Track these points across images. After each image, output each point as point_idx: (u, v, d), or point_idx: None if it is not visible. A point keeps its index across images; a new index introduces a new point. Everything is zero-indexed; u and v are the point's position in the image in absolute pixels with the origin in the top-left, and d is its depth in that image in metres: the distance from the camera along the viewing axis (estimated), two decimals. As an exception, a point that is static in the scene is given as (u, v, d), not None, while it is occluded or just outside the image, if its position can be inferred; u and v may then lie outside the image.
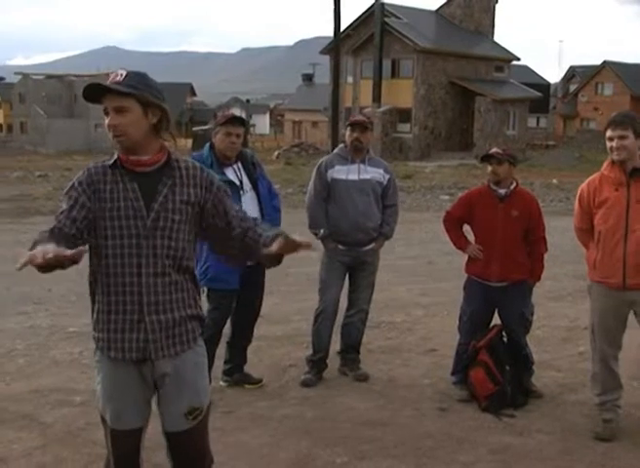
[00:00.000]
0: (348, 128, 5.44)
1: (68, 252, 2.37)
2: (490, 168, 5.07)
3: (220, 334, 5.11)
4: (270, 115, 74.55)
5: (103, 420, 2.94)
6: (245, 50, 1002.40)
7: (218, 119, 4.97)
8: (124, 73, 2.70)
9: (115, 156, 2.78)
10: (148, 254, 2.74)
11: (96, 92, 2.69)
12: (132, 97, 2.66)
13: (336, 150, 5.61)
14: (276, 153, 40.15)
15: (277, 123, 66.21)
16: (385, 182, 5.49)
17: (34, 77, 65.51)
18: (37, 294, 8.55)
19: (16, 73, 67.14)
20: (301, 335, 6.45)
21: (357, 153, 5.43)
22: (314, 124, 57.82)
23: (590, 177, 4.62)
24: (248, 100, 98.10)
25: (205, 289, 4.93)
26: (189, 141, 54.64)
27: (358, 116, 5.60)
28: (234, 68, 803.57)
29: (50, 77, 67.06)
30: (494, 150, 5.11)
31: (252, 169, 5.00)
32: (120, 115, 2.67)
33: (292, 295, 8.14)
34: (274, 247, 2.71)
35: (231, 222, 2.88)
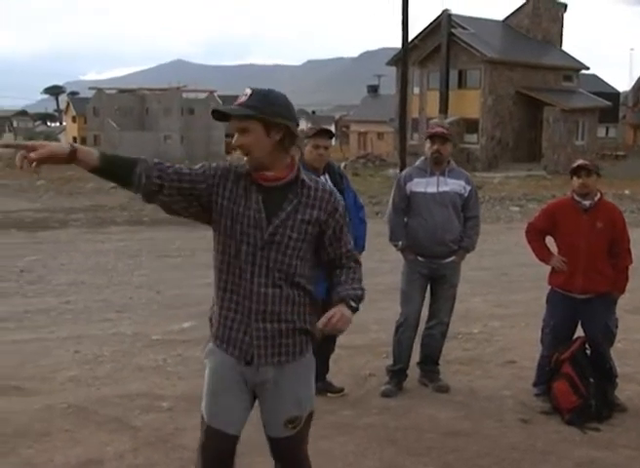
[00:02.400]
0: (428, 140, 5.44)
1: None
2: (578, 180, 4.99)
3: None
4: (336, 126, 74.74)
5: (202, 419, 2.97)
6: (310, 62, 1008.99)
7: (306, 131, 5.06)
8: (249, 93, 2.75)
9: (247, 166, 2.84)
10: (262, 265, 2.79)
11: (223, 114, 2.78)
12: (252, 117, 2.71)
13: (416, 163, 5.62)
14: (343, 164, 40.19)
15: (342, 134, 66.32)
16: (466, 194, 5.46)
17: (107, 91, 67.21)
18: (119, 302, 8.77)
19: (90, 88, 69.00)
20: (381, 345, 6.48)
21: (436, 165, 5.42)
22: (380, 135, 57.69)
23: None
24: (313, 112, 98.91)
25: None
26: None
27: (437, 128, 5.54)
28: (300, 80, 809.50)
29: (122, 91, 68.70)
30: (581, 162, 5.04)
31: (338, 180, 5.07)
32: (243, 135, 2.73)
33: (369, 305, 8.06)
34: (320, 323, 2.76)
35: (342, 256, 2.95)
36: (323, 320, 2.73)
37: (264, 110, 2.72)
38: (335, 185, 5.01)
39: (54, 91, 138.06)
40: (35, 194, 27.21)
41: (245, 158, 2.77)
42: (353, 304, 2.83)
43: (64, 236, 15.59)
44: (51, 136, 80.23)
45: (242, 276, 2.81)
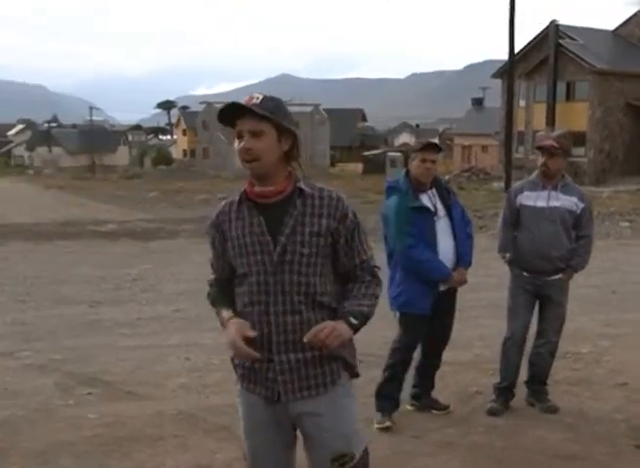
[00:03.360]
0: (539, 152, 5.31)
1: (250, 332, 2.57)
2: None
3: (411, 359, 5.13)
4: (439, 139, 74.19)
5: (245, 460, 2.84)
6: (414, 75, 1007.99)
7: (414, 145, 5.02)
8: (260, 97, 2.60)
9: (242, 190, 2.70)
10: (277, 292, 2.60)
11: (232, 114, 2.61)
12: (269, 121, 2.57)
13: (530, 176, 5.49)
14: (447, 178, 39.82)
15: (446, 147, 65.73)
16: (579, 211, 5.26)
17: (216, 105, 68.96)
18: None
19: (200, 102, 71.02)
20: (486, 362, 6.34)
21: (547, 179, 5.27)
22: (484, 148, 56.80)
23: None
24: (417, 125, 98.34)
25: (397, 313, 4.98)
26: (359, 166, 55.44)
27: (547, 140, 5.40)
28: (403, 93, 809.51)
29: (231, 105, 70.33)
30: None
31: (446, 195, 5.00)
32: (256, 139, 2.57)
33: (472, 321, 8.03)
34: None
35: (356, 268, 2.70)
36: (310, 332, 2.51)
37: (279, 115, 2.60)
38: (442, 201, 4.95)
39: (166, 105, 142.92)
40: (149, 205, 28.15)
41: (248, 165, 2.61)
42: (353, 321, 2.58)
43: (174, 246, 16.07)
44: (162, 149, 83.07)
45: (256, 308, 2.63)
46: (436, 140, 5.35)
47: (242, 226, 2.64)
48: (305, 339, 2.51)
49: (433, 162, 4.88)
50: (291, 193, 2.63)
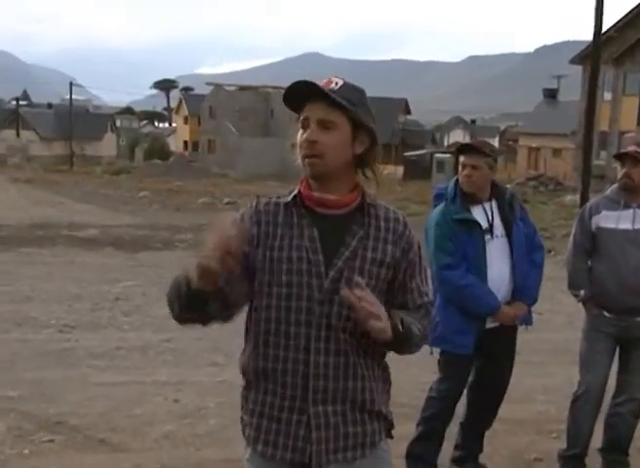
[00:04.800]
0: (618, 162, 5.26)
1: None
2: None
3: (451, 412, 5.06)
4: (500, 139, 74.03)
5: None
6: (472, 58, 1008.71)
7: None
8: (340, 82, 2.57)
9: (295, 191, 2.65)
10: (321, 325, 2.54)
11: (300, 95, 2.57)
12: (345, 112, 2.53)
13: (606, 192, 5.43)
14: (508, 187, 39.81)
15: (509, 149, 65.61)
16: None
17: (227, 88, 69.00)
18: (228, 347, 8.89)
19: (207, 84, 71.14)
20: (549, 421, 6.28)
21: (631, 194, 5.19)
22: (556, 152, 56.60)
23: None
24: (473, 121, 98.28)
25: (433, 350, 4.93)
26: (400, 169, 55.41)
27: (631, 146, 5.33)
28: (457, 81, 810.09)
29: (243, 88, 70.49)
30: None
31: (507, 211, 4.94)
32: (324, 131, 2.53)
33: (533, 368, 7.96)
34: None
35: (407, 303, 2.66)
36: (351, 295, 2.38)
37: (360, 109, 2.56)
38: (503, 217, 4.88)
39: (164, 85, 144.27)
40: (138, 207, 28.32)
41: (307, 160, 2.56)
42: (399, 326, 2.49)
43: (168, 259, 16.08)
44: (158, 139, 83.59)
45: (291, 345, 2.56)
46: (489, 141, 5.29)
47: (289, 236, 2.58)
48: (344, 293, 2.41)
49: (474, 167, 4.82)
50: (357, 208, 2.62)
